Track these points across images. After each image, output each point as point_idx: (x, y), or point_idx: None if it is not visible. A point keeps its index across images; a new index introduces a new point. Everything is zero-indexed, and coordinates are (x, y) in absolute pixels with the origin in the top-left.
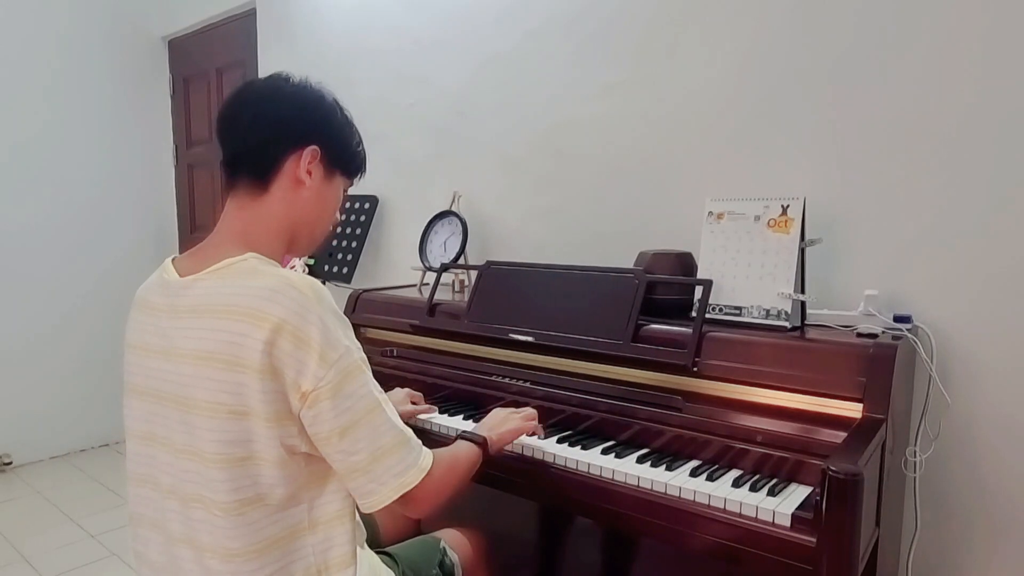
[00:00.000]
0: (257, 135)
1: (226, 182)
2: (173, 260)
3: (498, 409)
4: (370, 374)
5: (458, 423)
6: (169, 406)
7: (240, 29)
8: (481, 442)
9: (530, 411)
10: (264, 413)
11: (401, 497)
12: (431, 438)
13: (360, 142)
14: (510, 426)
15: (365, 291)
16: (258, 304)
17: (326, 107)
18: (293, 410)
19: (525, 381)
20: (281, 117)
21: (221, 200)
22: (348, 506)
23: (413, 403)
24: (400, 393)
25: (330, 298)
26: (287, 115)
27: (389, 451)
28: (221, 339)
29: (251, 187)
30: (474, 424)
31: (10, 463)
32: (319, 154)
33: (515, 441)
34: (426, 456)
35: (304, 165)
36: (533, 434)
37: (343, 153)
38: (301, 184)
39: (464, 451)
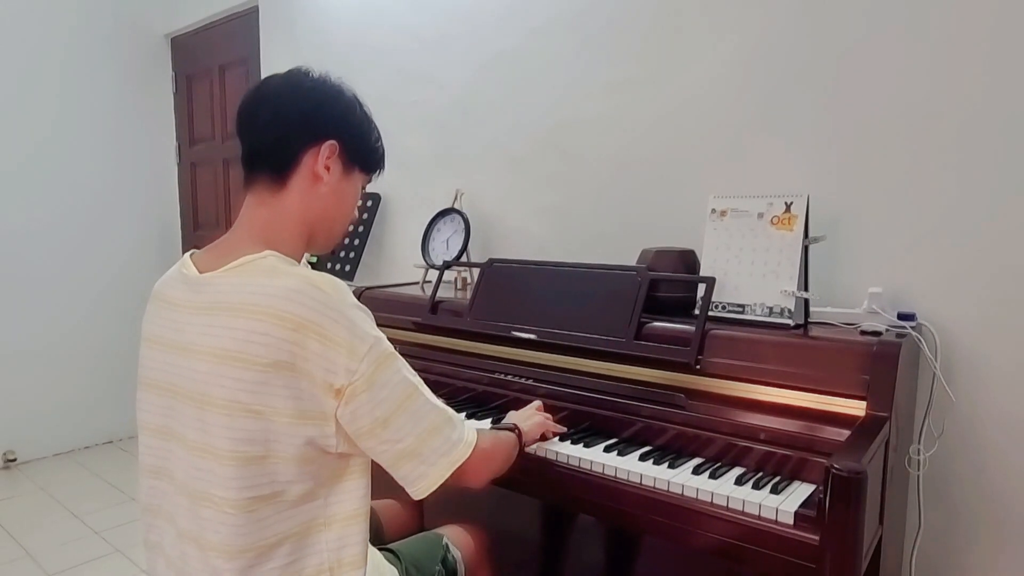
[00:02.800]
0: (275, 130)
1: (245, 178)
2: (192, 255)
3: (513, 411)
4: (401, 360)
5: None
6: (185, 402)
7: (242, 27)
8: (514, 428)
9: (538, 403)
10: (287, 412)
11: (454, 473)
12: None
13: (379, 138)
14: (537, 420)
15: (368, 288)
16: (280, 304)
17: (345, 102)
18: (327, 410)
19: (528, 379)
20: (299, 112)
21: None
22: (364, 506)
23: None
24: None
25: (350, 293)
26: (305, 110)
27: (434, 432)
28: (240, 337)
29: (269, 183)
30: (477, 421)
31: (15, 460)
32: (337, 149)
33: None
34: (470, 431)
35: (322, 160)
36: (555, 435)
37: (362, 148)
38: (319, 179)
39: (504, 434)
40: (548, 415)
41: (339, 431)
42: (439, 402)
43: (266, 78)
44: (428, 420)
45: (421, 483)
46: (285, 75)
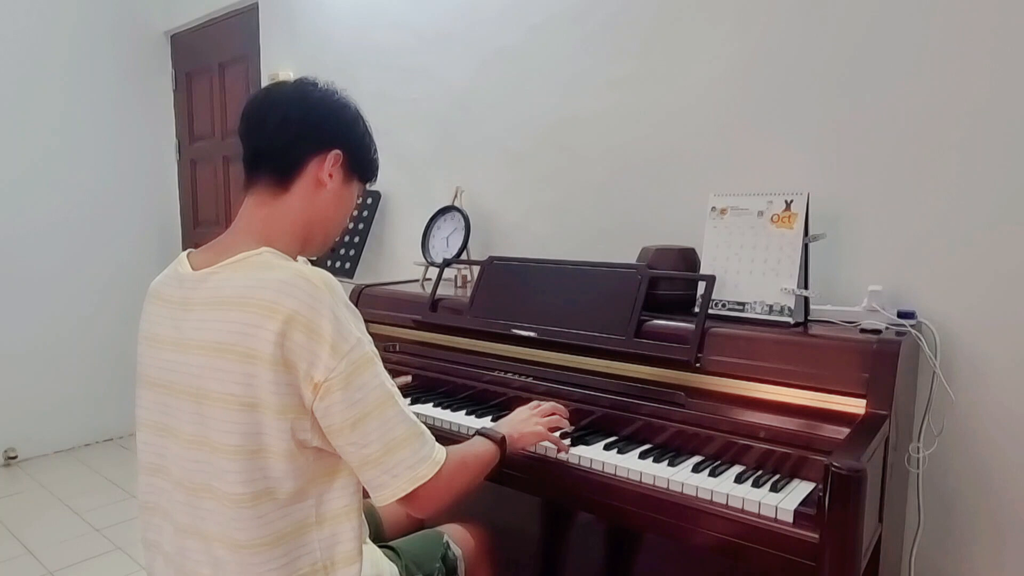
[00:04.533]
0: (284, 136)
1: (247, 179)
2: (188, 254)
3: (522, 408)
4: (381, 367)
5: (460, 418)
6: (181, 397)
7: (242, 24)
8: (499, 440)
9: (548, 407)
10: (274, 405)
11: (415, 490)
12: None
13: (376, 150)
14: (532, 429)
15: (368, 286)
16: (271, 296)
17: (350, 114)
18: (306, 403)
19: (527, 376)
20: (308, 120)
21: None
22: (356, 502)
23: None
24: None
25: (342, 290)
26: (314, 119)
27: (402, 443)
28: (233, 330)
29: (272, 185)
30: (476, 418)
31: (15, 457)
32: (341, 158)
33: None
34: (439, 451)
35: (327, 168)
36: (559, 451)
37: (363, 159)
38: (322, 186)
39: (478, 449)
40: (560, 421)
41: (314, 425)
42: (413, 416)
43: (274, 84)
44: (398, 431)
45: (382, 491)
46: (294, 84)
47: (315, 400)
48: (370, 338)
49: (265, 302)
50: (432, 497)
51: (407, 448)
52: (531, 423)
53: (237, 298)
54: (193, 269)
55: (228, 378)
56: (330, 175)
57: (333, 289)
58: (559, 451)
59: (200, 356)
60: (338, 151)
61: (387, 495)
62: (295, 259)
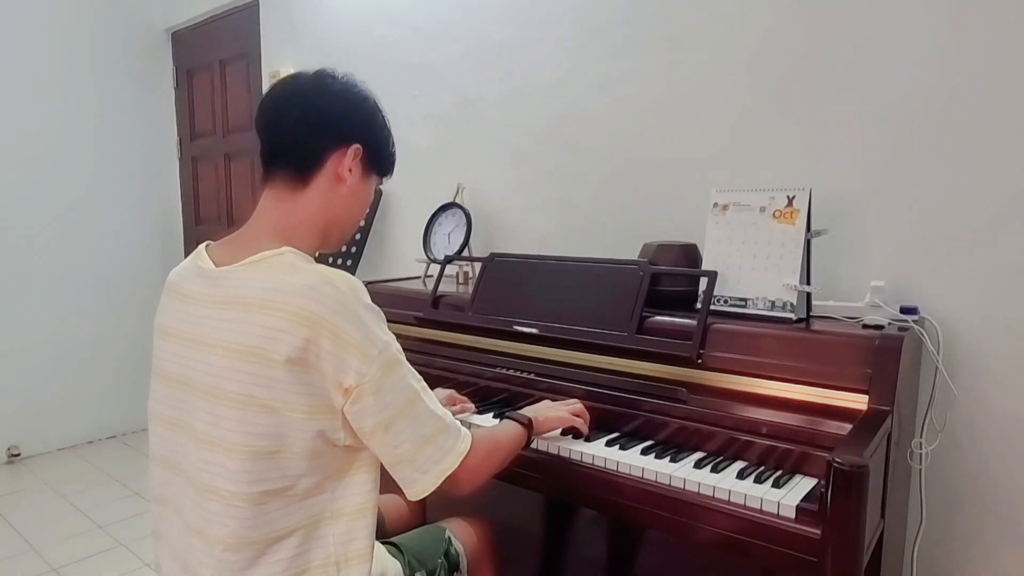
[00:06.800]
0: (303, 131)
1: (264, 173)
2: (207, 247)
3: (545, 401)
4: (407, 364)
5: (462, 415)
6: (197, 395)
7: (243, 21)
8: (526, 423)
9: (576, 404)
10: (300, 406)
11: (445, 480)
12: None
13: (394, 144)
14: (557, 413)
15: (369, 283)
16: (296, 301)
17: (369, 108)
18: (335, 406)
19: (529, 373)
20: (328, 115)
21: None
22: (372, 500)
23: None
24: (442, 394)
25: (366, 293)
26: (334, 113)
27: (430, 439)
28: (256, 333)
29: (291, 181)
30: (479, 415)
31: (18, 454)
32: (361, 153)
33: None
34: (464, 439)
35: (347, 163)
36: (580, 435)
37: (381, 154)
38: (341, 181)
39: (507, 430)
40: (581, 414)
41: (345, 426)
42: (438, 408)
43: (292, 76)
44: (427, 427)
45: (414, 487)
46: (313, 76)
47: (346, 403)
48: (393, 336)
49: (291, 307)
50: (467, 479)
51: (434, 443)
52: (555, 409)
53: (260, 300)
54: (213, 263)
55: (248, 380)
56: (349, 170)
57: (358, 293)
58: (581, 434)
59: (219, 356)
60: (358, 145)
61: (419, 491)
62: (314, 256)
